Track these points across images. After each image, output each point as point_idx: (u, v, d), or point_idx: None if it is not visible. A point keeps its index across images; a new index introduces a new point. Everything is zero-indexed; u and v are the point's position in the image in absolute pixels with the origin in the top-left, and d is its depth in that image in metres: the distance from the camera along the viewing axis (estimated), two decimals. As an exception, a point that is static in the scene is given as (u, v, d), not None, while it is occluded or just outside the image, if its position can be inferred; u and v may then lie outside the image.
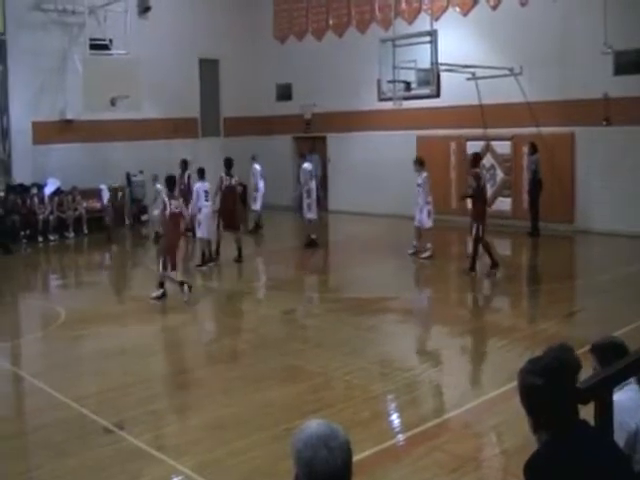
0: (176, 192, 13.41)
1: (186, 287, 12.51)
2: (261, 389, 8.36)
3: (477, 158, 15.14)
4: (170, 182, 13.05)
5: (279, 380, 8.82)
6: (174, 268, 12.72)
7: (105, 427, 7.30)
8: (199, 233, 15.86)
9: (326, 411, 7.33)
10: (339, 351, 9.81)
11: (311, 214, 17.97)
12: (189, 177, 19.88)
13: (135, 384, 8.70)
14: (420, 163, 16.34)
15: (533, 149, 18.76)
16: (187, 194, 18.62)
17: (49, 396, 8.29)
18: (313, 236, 17.98)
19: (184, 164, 20.30)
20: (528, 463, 2.98)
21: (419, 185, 16.21)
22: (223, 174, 16.28)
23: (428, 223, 16.09)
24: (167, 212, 12.66)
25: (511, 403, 5.02)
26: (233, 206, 16.33)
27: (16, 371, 9.83)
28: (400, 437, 7.13)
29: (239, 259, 16.24)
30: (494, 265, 14.22)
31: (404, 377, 8.83)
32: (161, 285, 12.72)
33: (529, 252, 17.95)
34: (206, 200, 15.71)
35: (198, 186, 15.83)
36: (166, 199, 12.74)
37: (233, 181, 16.38)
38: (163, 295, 12.70)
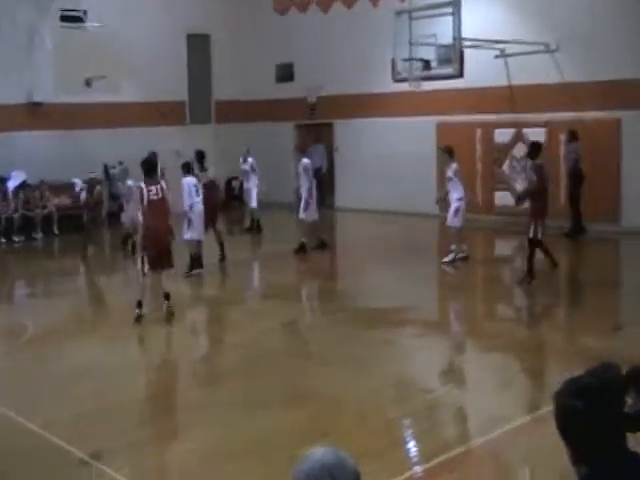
0: (158, 177, 12.99)
1: (138, 311, 12.13)
2: (259, 414, 8.34)
3: (538, 148, 14.93)
4: (147, 165, 12.65)
5: (280, 403, 8.81)
6: (155, 267, 12.24)
7: (80, 458, 7.29)
8: (188, 234, 15.61)
9: (333, 438, 7.30)
10: (348, 370, 9.80)
11: (308, 214, 17.81)
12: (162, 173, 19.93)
13: (113, 408, 8.69)
14: (449, 152, 16.27)
15: (572, 136, 18.71)
16: None
17: (12, 422, 8.28)
18: (304, 239, 17.75)
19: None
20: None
21: (449, 179, 16.17)
22: (197, 170, 16.56)
23: (454, 222, 16.01)
24: (145, 201, 12.11)
25: (546, 430, 5.00)
26: (215, 203, 16.98)
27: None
28: (418, 468, 7.12)
29: (223, 258, 16.73)
30: (531, 276, 13.99)
31: (423, 400, 8.82)
32: (166, 297, 12.36)
33: (567, 255, 17.91)
34: (197, 196, 15.56)
35: (187, 181, 15.57)
36: (143, 186, 12.23)
37: (211, 175, 17.05)
38: (138, 318, 12.09)
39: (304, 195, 17.86)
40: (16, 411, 8.52)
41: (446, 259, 15.88)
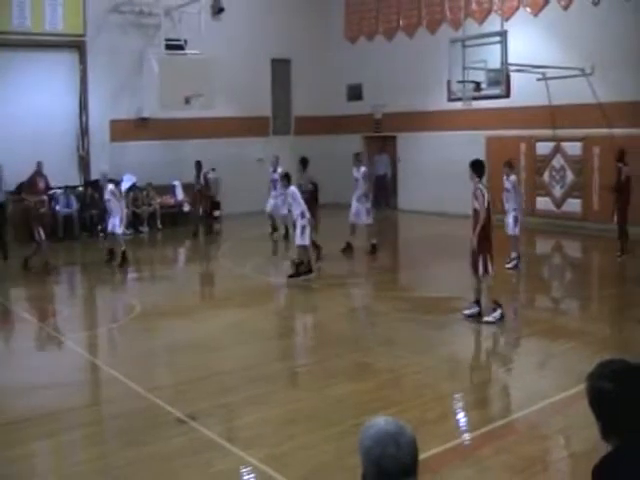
0: (484, 180, 11.18)
1: (500, 311, 10.88)
2: (330, 385, 8.39)
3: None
4: (480, 166, 11.27)
5: (348, 377, 8.84)
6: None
7: (178, 418, 7.42)
8: (304, 241, 14.23)
9: (394, 409, 7.32)
10: (407, 349, 9.79)
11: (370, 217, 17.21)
12: (205, 177, 20.80)
13: (207, 377, 8.84)
14: (510, 165, 15.35)
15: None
16: (206, 193, 20.36)
17: (124, 386, 8.47)
18: (374, 241, 17.17)
19: (198, 165, 20.62)
20: (596, 467, 2.93)
21: (508, 190, 15.12)
22: (299, 176, 16.26)
23: (515, 231, 14.94)
24: (486, 203, 10.86)
25: (580, 406, 4.95)
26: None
27: (93, 360, 10.07)
28: (467, 437, 7.09)
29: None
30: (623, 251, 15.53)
31: (472, 377, 8.77)
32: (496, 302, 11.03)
33: (600, 255, 17.59)
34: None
35: (294, 190, 14.31)
36: (483, 187, 10.95)
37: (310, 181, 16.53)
38: (502, 316, 10.91)
39: (364, 200, 17.04)
40: (127, 377, 8.72)
41: (509, 265, 14.88)
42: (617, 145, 17.04)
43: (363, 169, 17.27)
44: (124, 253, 16.19)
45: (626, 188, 15.70)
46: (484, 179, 11.24)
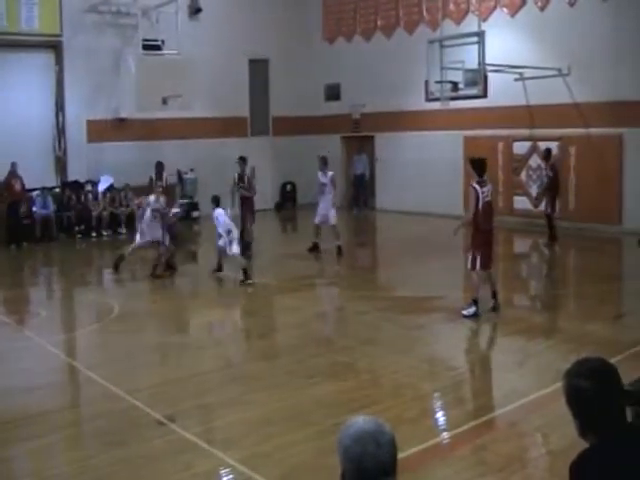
0: (485, 177, 11.23)
1: (474, 309, 11.13)
2: (310, 385, 8.41)
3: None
4: (479, 165, 11.22)
5: (327, 376, 8.85)
6: (486, 267, 11.28)
7: (157, 419, 7.41)
8: (235, 250, 14.36)
9: (373, 408, 7.35)
10: (386, 349, 9.83)
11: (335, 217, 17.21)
12: (167, 180, 20.38)
13: (187, 378, 8.82)
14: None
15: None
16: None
17: (103, 388, 8.43)
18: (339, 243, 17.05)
19: (159, 166, 20.21)
20: (574, 464, 2.97)
21: None
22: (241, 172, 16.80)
23: None
24: (480, 203, 10.95)
25: (557, 404, 4.99)
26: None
27: (71, 363, 10.03)
28: (446, 435, 7.13)
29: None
30: (553, 238, 17.43)
31: (451, 376, 8.81)
32: (494, 295, 11.38)
33: (575, 253, 17.76)
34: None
35: (220, 212, 14.57)
36: (477, 187, 10.95)
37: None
38: (475, 314, 11.10)
39: (331, 203, 17.02)
40: (106, 379, 8.68)
41: None
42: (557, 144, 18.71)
43: (331, 174, 17.24)
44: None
45: (556, 184, 17.69)
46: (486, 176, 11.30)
